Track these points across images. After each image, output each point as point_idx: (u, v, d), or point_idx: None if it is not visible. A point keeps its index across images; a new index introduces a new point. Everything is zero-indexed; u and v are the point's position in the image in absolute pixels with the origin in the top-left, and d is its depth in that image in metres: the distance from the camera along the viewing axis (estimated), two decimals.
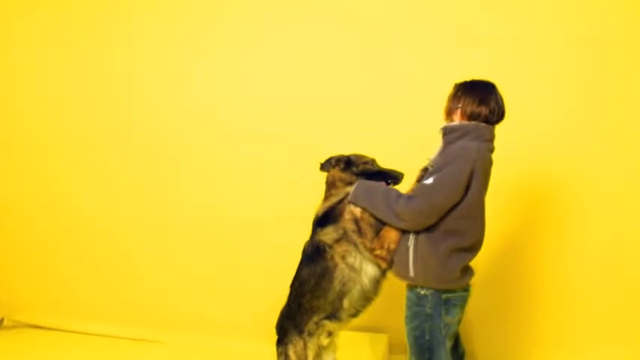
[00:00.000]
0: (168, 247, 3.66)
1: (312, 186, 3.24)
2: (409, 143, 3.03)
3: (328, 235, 2.20)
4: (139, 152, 3.65)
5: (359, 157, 2.36)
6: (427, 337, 2.03)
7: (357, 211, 2.16)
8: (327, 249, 2.19)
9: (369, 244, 2.12)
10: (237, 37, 3.45)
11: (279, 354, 2.43)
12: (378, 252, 2.09)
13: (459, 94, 2.07)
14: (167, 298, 3.65)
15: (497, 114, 2.03)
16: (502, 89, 2.08)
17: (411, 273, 2.02)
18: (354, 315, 2.25)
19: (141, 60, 3.61)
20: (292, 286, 2.38)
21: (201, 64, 3.54)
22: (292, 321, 2.37)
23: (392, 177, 2.28)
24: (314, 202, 3.25)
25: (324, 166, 2.42)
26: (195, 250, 3.60)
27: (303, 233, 3.28)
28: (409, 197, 1.99)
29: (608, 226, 3.01)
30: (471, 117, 2.03)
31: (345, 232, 2.16)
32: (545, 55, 3.03)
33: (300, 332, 2.34)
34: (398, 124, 3.21)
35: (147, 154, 3.63)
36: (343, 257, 2.16)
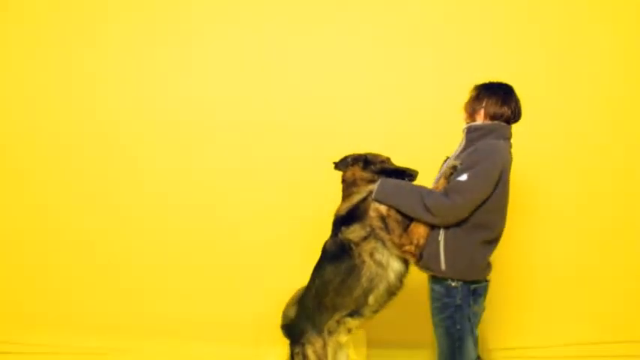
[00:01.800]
0: (149, 248, 3.43)
1: (299, 185, 3.31)
2: (403, 141, 3.15)
3: (355, 233, 2.23)
4: (119, 151, 3.42)
5: (375, 155, 2.41)
6: (458, 327, 2.13)
7: (383, 208, 2.21)
8: (354, 247, 2.22)
9: (397, 240, 2.17)
10: (237, 32, 3.38)
11: (295, 354, 2.42)
12: (407, 247, 2.15)
13: (481, 95, 2.19)
14: (146, 303, 3.42)
15: (517, 114, 2.18)
16: None
17: (443, 266, 2.11)
18: (377, 311, 2.29)
19: (135, 56, 3.42)
20: (311, 285, 2.39)
21: (196, 57, 3.41)
22: (310, 320, 2.38)
23: (408, 175, 2.35)
24: (304, 202, 3.31)
25: (339, 165, 2.45)
26: (178, 252, 3.42)
27: (291, 233, 3.33)
28: (443, 193, 2.07)
29: (571, 222, 3.35)
30: (494, 117, 2.16)
31: (373, 230, 2.20)
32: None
33: (319, 331, 2.35)
34: (394, 123, 3.31)
35: (128, 153, 3.42)
36: (371, 254, 2.19)
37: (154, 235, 3.40)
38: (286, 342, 3.06)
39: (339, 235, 2.27)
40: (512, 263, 3.21)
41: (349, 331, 2.39)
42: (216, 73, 3.40)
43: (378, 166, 2.37)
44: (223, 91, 3.40)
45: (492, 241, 2.16)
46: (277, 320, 3.22)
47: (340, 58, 3.39)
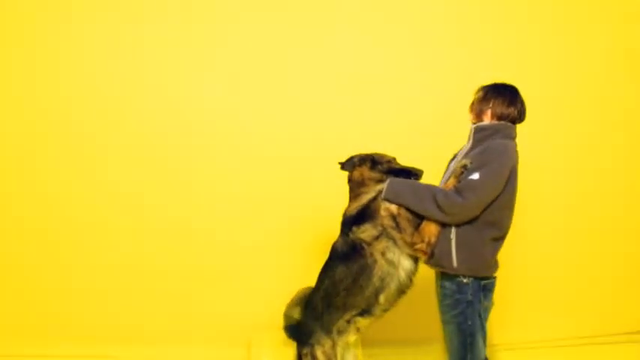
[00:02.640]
0: (141, 252, 3.34)
1: (294, 186, 3.32)
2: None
3: (366, 232, 2.24)
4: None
5: (381, 155, 2.43)
6: (469, 323, 2.17)
7: (393, 207, 2.23)
8: (366, 246, 2.23)
9: (409, 239, 2.20)
10: (230, 31, 3.36)
11: (303, 355, 2.41)
12: (419, 246, 2.18)
13: (488, 96, 2.25)
14: (138, 307, 3.34)
15: (522, 115, 2.25)
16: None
17: (455, 263, 2.15)
18: (387, 310, 2.30)
19: (130, 58, 3.34)
20: (319, 285, 2.39)
21: (193, 59, 3.37)
22: (318, 321, 2.37)
23: (414, 174, 2.37)
24: (297, 203, 3.32)
25: (345, 166, 2.45)
26: (169, 255, 3.35)
27: (282, 234, 3.33)
28: (455, 192, 2.11)
29: (571, 220, 3.56)
30: (500, 117, 2.22)
31: (384, 229, 2.22)
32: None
33: (328, 332, 2.35)
34: (389, 124, 3.38)
35: (120, 155, 3.33)
36: (383, 254, 2.21)
37: (146, 239, 3.33)
38: (280, 343, 3.03)
39: (350, 235, 2.28)
40: (512, 260, 3.33)
41: (358, 330, 2.40)
42: (211, 73, 3.37)
43: (385, 165, 2.39)
44: (220, 92, 3.36)
45: (500, 238, 2.22)
46: (270, 321, 3.23)
47: (335, 59, 3.43)
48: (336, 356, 2.35)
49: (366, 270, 2.22)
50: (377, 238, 2.23)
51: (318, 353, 2.35)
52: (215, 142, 3.37)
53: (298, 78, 3.40)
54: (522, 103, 2.26)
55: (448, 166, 2.41)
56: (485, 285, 2.20)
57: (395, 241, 2.22)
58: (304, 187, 3.39)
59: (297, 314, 2.60)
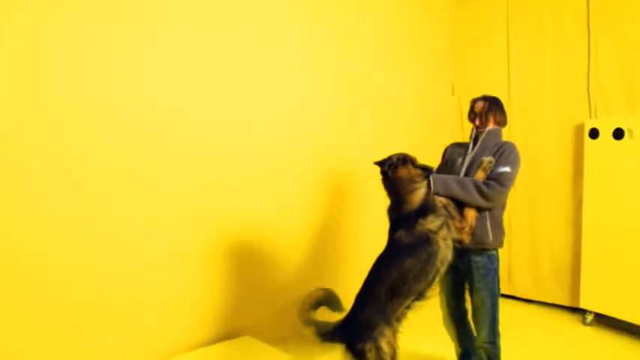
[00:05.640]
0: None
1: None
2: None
3: (434, 223, 2.49)
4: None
5: (410, 155, 2.69)
6: (496, 286, 2.73)
7: (442, 198, 2.59)
8: (432, 235, 2.49)
9: (459, 225, 2.59)
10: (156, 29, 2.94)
11: (367, 351, 2.44)
12: (466, 229, 2.61)
13: (492, 106, 2.85)
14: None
15: (506, 121, 2.93)
16: None
17: (491, 239, 2.68)
18: (433, 289, 2.61)
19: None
20: (384, 278, 2.47)
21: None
22: (381, 314, 2.47)
23: (430, 171, 2.75)
24: (188, 215, 3.22)
25: (384, 165, 2.60)
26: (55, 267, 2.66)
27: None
28: (498, 183, 2.61)
29: None
30: (499, 123, 2.86)
31: (444, 218, 2.54)
32: None
33: (388, 321, 2.48)
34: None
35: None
36: (445, 239, 2.51)
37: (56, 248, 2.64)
38: None
39: (417, 227, 2.48)
40: None
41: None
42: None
43: (417, 164, 2.68)
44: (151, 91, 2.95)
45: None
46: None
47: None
48: (396, 342, 2.50)
49: (432, 256, 2.48)
50: (441, 227, 2.52)
51: (383, 344, 2.43)
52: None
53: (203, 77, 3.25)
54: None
55: (454, 161, 2.89)
56: (497, 254, 2.80)
57: (449, 227, 2.57)
58: (221, 196, 3.27)
59: (313, 316, 2.59)
